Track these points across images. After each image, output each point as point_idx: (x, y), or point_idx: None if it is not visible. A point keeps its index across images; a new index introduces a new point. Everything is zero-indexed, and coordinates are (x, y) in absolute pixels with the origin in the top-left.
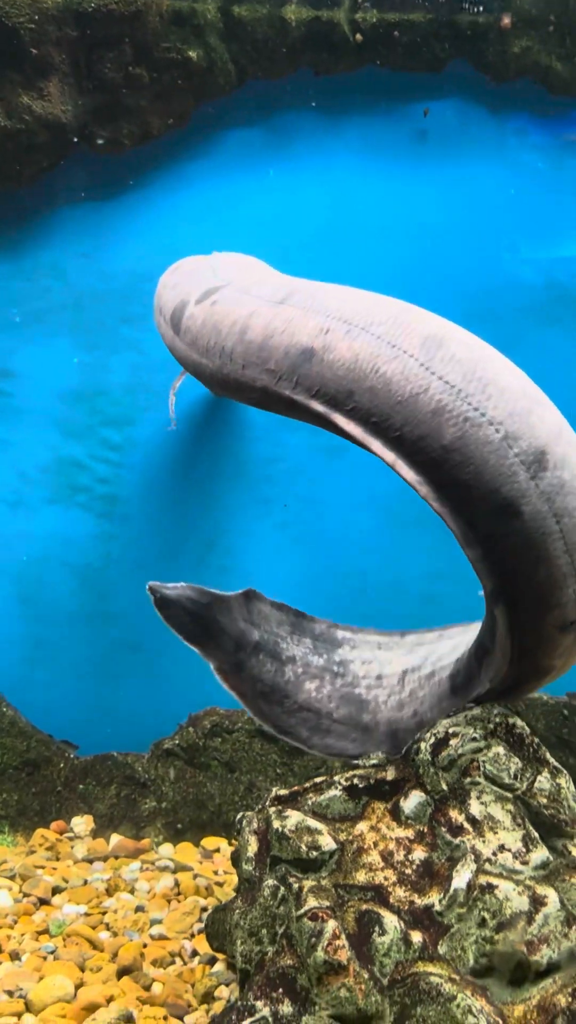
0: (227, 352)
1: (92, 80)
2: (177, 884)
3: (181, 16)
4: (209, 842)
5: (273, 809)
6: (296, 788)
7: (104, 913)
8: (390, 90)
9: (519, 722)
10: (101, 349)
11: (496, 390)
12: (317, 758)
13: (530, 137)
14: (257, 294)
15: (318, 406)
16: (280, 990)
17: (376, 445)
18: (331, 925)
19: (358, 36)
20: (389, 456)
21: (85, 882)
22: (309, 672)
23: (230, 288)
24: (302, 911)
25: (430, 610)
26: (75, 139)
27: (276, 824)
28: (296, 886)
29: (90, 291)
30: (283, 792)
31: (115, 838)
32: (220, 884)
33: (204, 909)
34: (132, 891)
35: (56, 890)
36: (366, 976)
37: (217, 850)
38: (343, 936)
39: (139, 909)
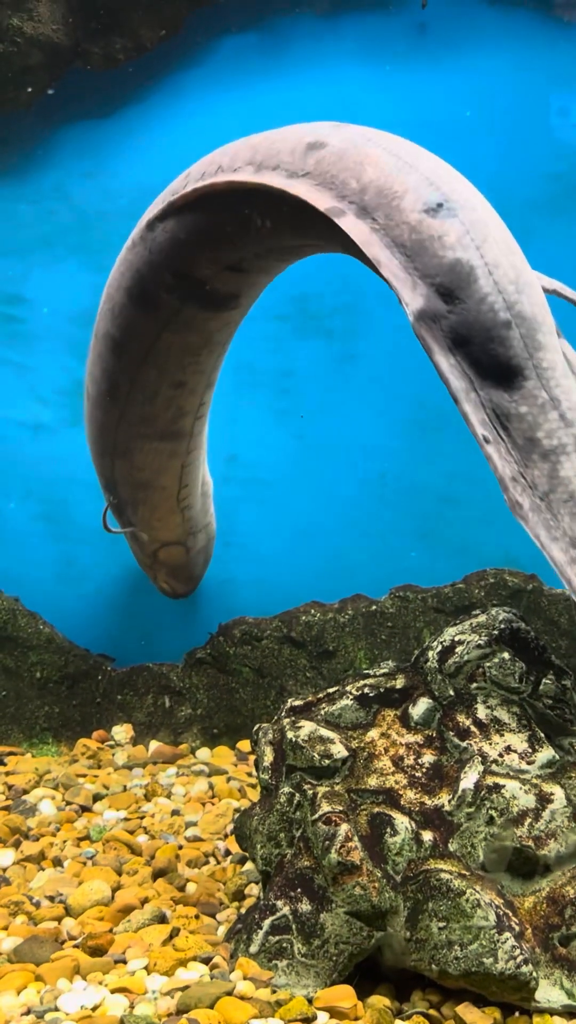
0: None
1: None
2: (211, 787)
3: None
4: (244, 745)
5: (287, 720)
6: (310, 699)
7: (142, 818)
8: None
9: (523, 626)
10: (109, 269)
11: None
12: (345, 662)
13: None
14: None
15: None
16: (299, 890)
17: None
18: (344, 828)
19: None
20: None
21: (124, 788)
22: None
23: None
24: (316, 816)
25: (448, 512)
26: (68, 59)
27: (290, 734)
28: (310, 792)
29: (95, 211)
30: (297, 703)
31: (154, 744)
32: (253, 786)
33: (237, 810)
34: (169, 795)
35: (97, 797)
36: (379, 875)
37: (251, 752)
38: (356, 838)
39: (175, 813)
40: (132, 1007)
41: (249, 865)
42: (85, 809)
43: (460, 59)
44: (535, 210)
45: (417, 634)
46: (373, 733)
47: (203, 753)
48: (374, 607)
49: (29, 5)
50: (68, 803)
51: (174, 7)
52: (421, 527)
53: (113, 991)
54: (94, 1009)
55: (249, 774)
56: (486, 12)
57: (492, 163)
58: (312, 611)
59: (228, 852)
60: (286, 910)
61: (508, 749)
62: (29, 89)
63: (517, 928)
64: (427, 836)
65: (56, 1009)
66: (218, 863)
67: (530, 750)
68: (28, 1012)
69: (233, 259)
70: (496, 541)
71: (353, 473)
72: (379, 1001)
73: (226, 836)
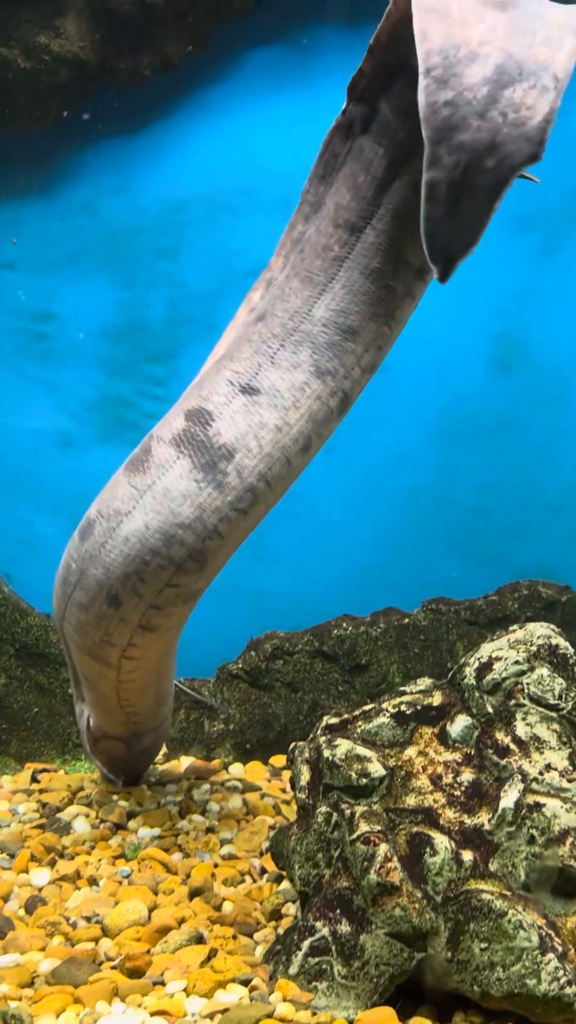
0: None
1: (107, 14)
2: (246, 804)
3: None
4: (277, 760)
5: (323, 738)
6: (346, 716)
7: (177, 835)
8: None
9: (562, 642)
10: (138, 285)
11: None
12: (378, 676)
13: None
14: None
15: None
16: (338, 911)
17: None
18: (383, 848)
19: None
20: None
21: (158, 805)
22: None
23: None
24: (355, 835)
25: (480, 523)
26: (95, 76)
27: (327, 753)
28: (348, 812)
29: (123, 227)
30: (333, 721)
31: (186, 760)
32: (287, 803)
33: (272, 827)
34: (203, 812)
35: (131, 815)
36: (419, 895)
37: (285, 767)
38: (395, 858)
39: (210, 830)
40: None
41: (285, 884)
42: (119, 827)
43: None
44: (566, 221)
45: (450, 647)
46: (411, 751)
47: (236, 769)
48: (406, 620)
49: (56, 23)
50: (102, 820)
51: (200, 23)
52: (453, 539)
53: (153, 1014)
54: None
55: (283, 790)
56: None
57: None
58: (344, 624)
59: (264, 871)
60: (325, 931)
61: (548, 767)
62: (57, 107)
63: (560, 949)
64: (467, 856)
65: None
66: (254, 882)
67: (571, 768)
68: None
69: None
70: (529, 552)
71: (383, 486)
72: (421, 1023)
73: (261, 854)
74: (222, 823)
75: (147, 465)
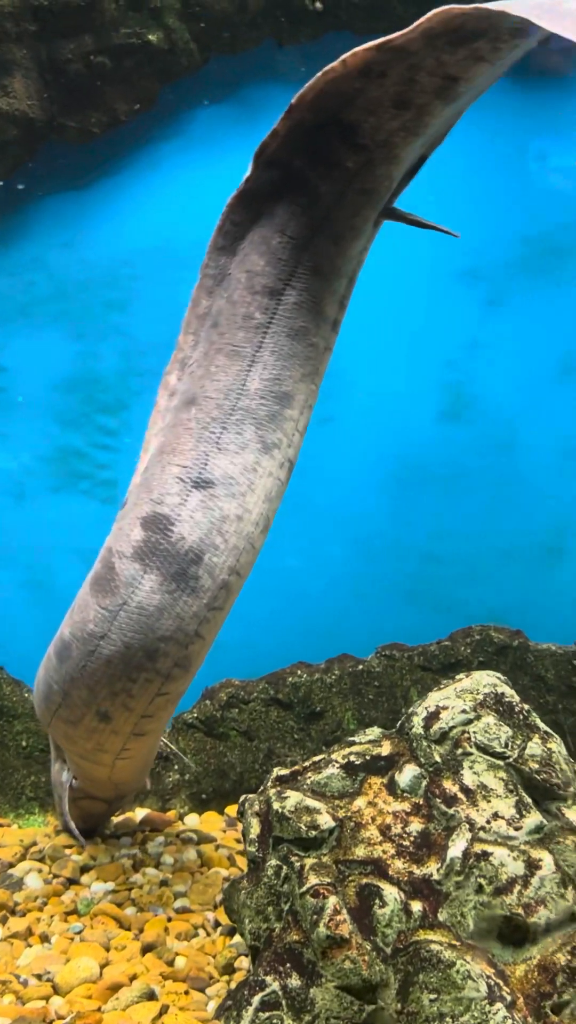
0: None
1: (55, 72)
2: (200, 856)
3: (137, 1)
4: (233, 810)
5: (273, 790)
6: (296, 768)
7: (130, 889)
8: None
9: (508, 690)
10: (89, 337)
11: None
12: (332, 723)
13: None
14: None
15: None
16: (288, 964)
17: None
18: (332, 901)
19: (317, 4)
20: None
21: (112, 859)
22: None
23: None
24: (304, 888)
25: (433, 569)
26: (44, 134)
27: (276, 805)
28: (298, 864)
29: (74, 281)
30: (284, 772)
31: (142, 811)
32: (242, 853)
33: (227, 879)
34: (158, 865)
35: (84, 869)
36: (369, 947)
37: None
38: (344, 911)
39: (164, 883)
40: None
41: (239, 937)
42: (72, 882)
43: None
44: (511, 273)
45: (404, 693)
46: (360, 802)
47: (192, 819)
48: (360, 667)
49: (4, 82)
50: (55, 875)
51: (147, 81)
52: (406, 585)
53: None
54: None
55: (238, 840)
56: None
57: (469, 225)
58: (299, 672)
59: (218, 923)
60: (275, 985)
61: (495, 815)
62: (6, 163)
63: (509, 998)
64: (416, 906)
65: None
66: (208, 935)
67: (517, 816)
68: None
69: None
70: (481, 598)
71: (337, 534)
72: None
73: (215, 907)
74: (176, 876)
75: (114, 584)
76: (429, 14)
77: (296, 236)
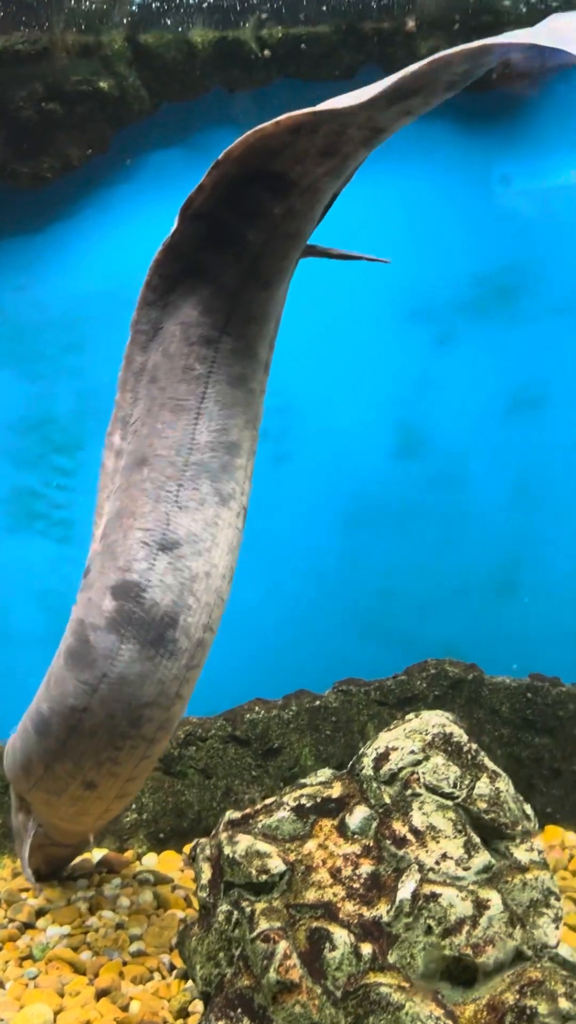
0: None
1: (7, 119)
2: (157, 897)
3: (88, 49)
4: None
5: (225, 835)
6: (248, 811)
7: (86, 932)
8: (305, 100)
9: (456, 730)
10: (44, 379)
11: None
12: (290, 759)
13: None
14: None
15: None
16: (239, 1010)
17: None
18: (282, 946)
19: (266, 52)
20: None
21: (68, 902)
22: None
23: None
24: (255, 933)
25: (387, 605)
26: None
27: (227, 850)
28: (249, 909)
29: (28, 323)
30: (235, 816)
31: (99, 852)
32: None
33: (183, 920)
34: (114, 908)
35: (40, 912)
36: (319, 991)
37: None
38: (295, 955)
39: (119, 926)
40: None
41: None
42: (28, 926)
43: (384, 166)
44: (459, 312)
45: (362, 728)
46: (311, 844)
47: (150, 859)
48: (318, 702)
49: None
50: (11, 920)
51: (100, 127)
52: (361, 620)
53: None
54: None
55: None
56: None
57: (416, 266)
58: (256, 708)
59: (173, 967)
60: None
61: (444, 856)
62: None
63: None
64: (366, 949)
65: None
66: (163, 978)
67: (466, 856)
68: None
69: None
70: (435, 632)
71: (292, 570)
72: None
73: (171, 949)
74: (132, 918)
75: (91, 658)
76: (378, 83)
77: (227, 284)
